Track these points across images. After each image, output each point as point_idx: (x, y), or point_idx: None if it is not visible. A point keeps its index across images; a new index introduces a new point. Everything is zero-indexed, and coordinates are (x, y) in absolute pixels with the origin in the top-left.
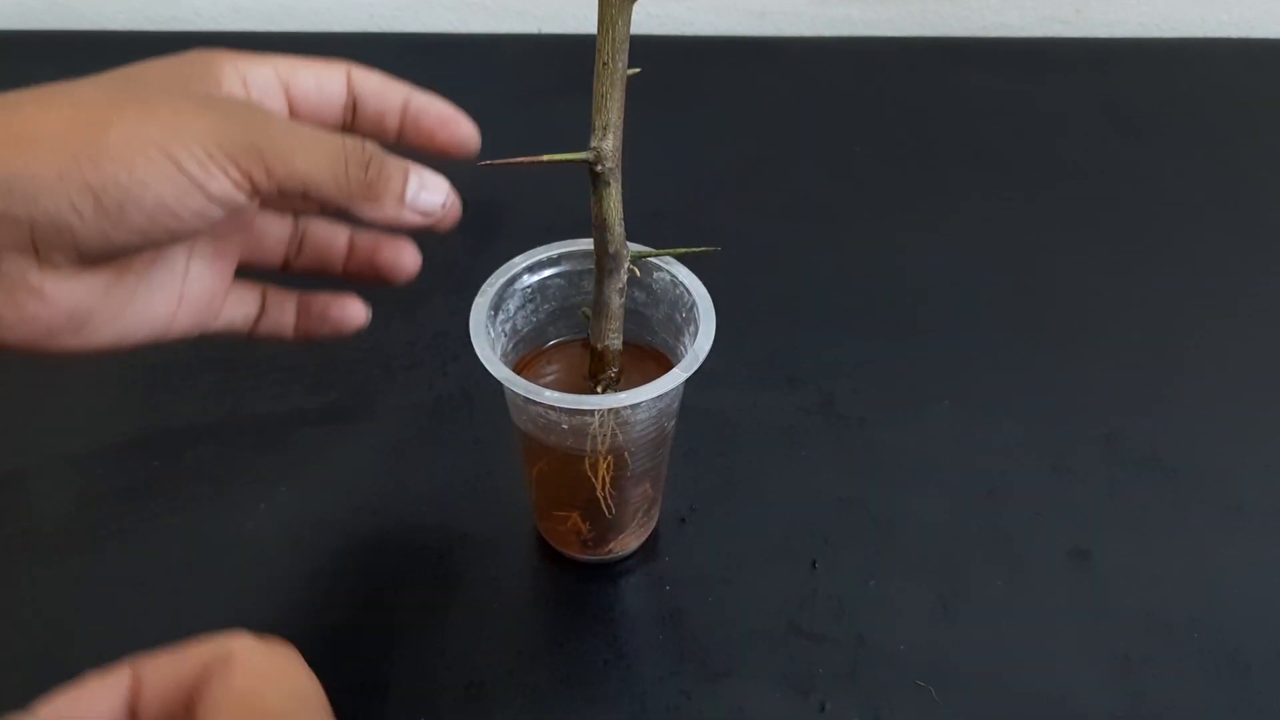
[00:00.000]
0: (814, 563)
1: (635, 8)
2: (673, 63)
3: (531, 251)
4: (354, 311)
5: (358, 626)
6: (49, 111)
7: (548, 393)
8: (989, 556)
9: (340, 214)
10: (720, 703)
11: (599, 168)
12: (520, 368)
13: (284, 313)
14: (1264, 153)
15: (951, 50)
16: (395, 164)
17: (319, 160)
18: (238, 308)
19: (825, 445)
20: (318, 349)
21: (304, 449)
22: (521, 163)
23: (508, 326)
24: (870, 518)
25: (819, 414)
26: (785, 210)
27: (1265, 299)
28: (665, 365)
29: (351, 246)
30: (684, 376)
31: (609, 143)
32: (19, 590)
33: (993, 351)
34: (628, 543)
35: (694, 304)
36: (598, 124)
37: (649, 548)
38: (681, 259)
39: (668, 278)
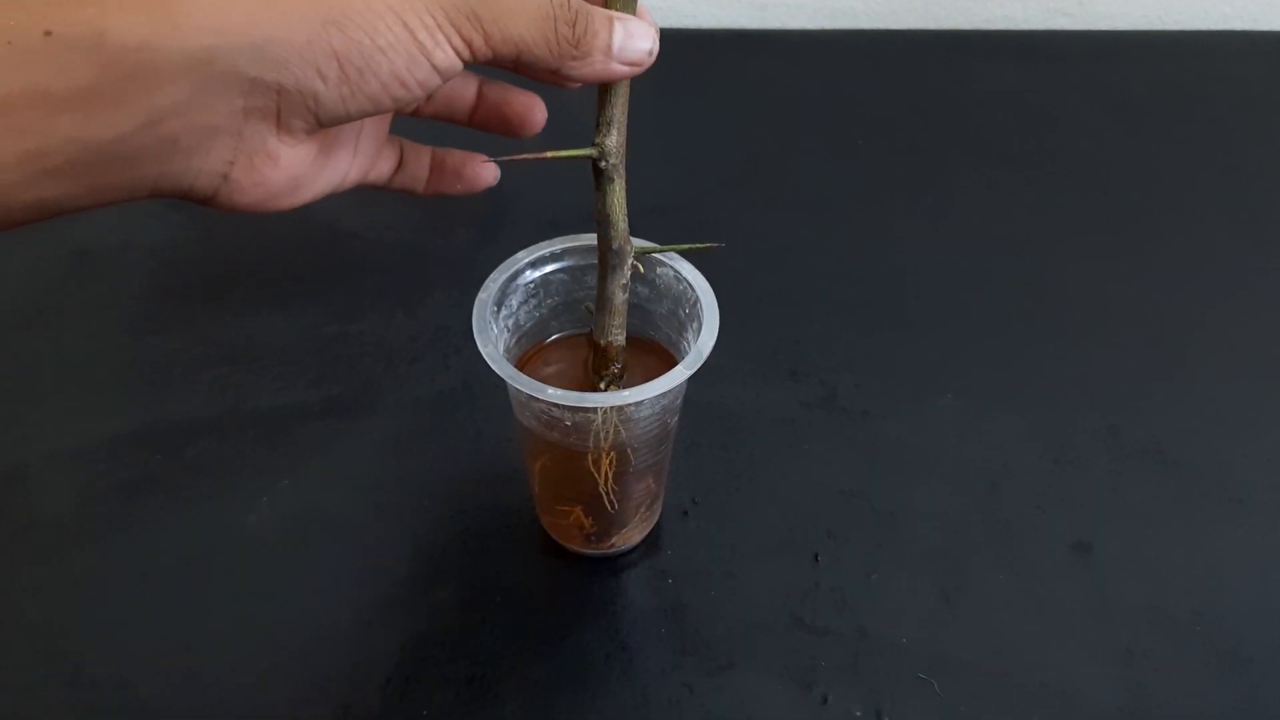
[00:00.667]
0: (816, 556)
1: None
2: (675, 56)
3: (534, 246)
4: (487, 171)
5: (360, 620)
6: None
7: (551, 390)
8: (991, 549)
9: (542, 75)
10: (722, 696)
11: (602, 164)
12: (522, 362)
13: (420, 166)
14: (1267, 145)
15: (954, 43)
16: (599, 16)
17: (531, 22)
18: (386, 161)
19: (828, 438)
20: (317, 343)
21: (306, 443)
22: (525, 159)
23: (510, 322)
24: (872, 511)
25: (821, 407)
26: (788, 203)
27: (1268, 291)
28: (668, 360)
29: (480, 95)
30: (688, 374)
31: (613, 139)
32: (20, 586)
33: (995, 345)
34: (630, 536)
35: (697, 300)
36: (602, 120)
37: (651, 541)
38: (685, 255)
39: (671, 273)
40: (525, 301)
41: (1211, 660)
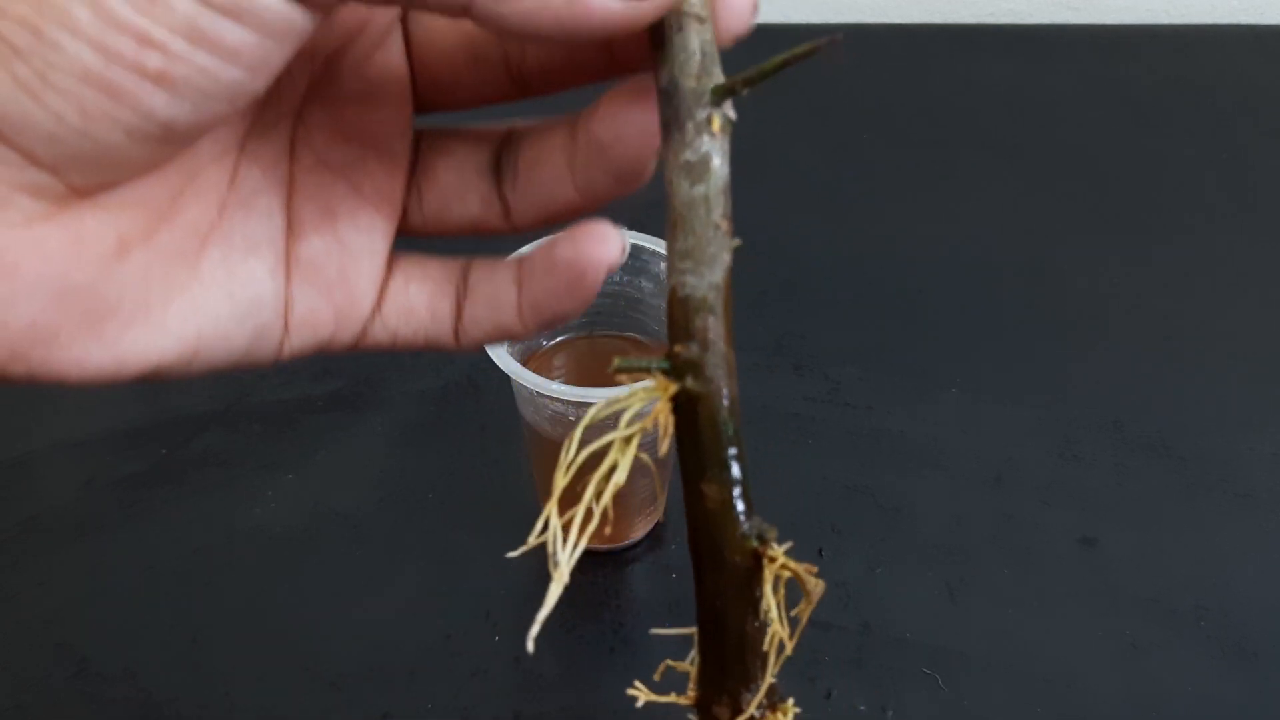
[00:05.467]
0: (820, 550)
1: None
2: None
3: (539, 241)
4: (609, 247)
5: (364, 612)
6: None
7: (555, 385)
8: (996, 544)
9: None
10: None
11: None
12: (527, 360)
13: (499, 286)
14: (1274, 139)
15: (959, 37)
16: None
17: None
18: (411, 298)
19: (832, 433)
20: None
21: (312, 436)
22: None
23: None
24: (877, 505)
25: (826, 401)
26: (792, 198)
27: (1274, 285)
28: None
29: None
30: None
31: None
32: (26, 578)
33: (1000, 338)
34: (634, 531)
35: None
36: None
37: (655, 536)
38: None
39: None
40: None
41: (1216, 654)
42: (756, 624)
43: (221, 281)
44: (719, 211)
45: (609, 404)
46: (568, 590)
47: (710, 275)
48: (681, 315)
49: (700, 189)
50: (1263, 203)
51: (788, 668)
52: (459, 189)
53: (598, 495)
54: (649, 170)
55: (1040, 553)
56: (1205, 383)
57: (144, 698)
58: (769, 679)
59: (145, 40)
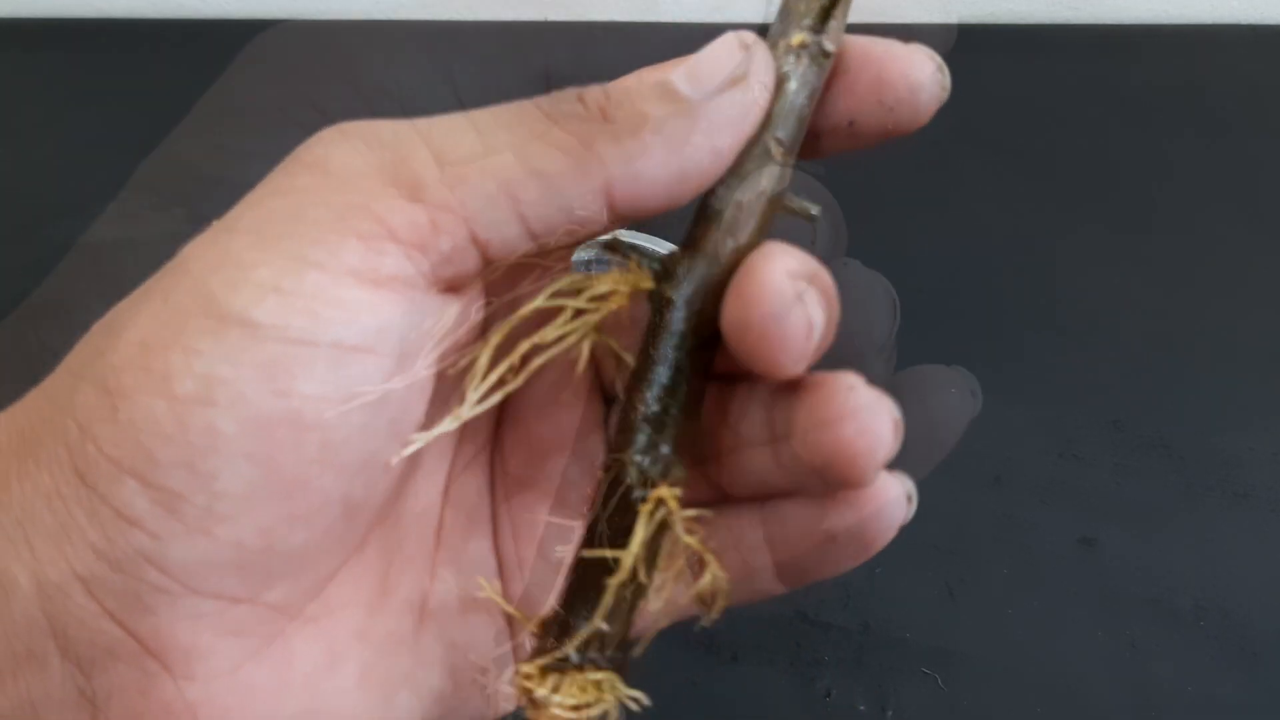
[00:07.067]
0: None
1: None
2: (677, 53)
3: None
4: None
5: None
6: None
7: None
8: (995, 543)
9: None
10: (726, 689)
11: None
12: None
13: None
14: (1275, 140)
15: (959, 35)
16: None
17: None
18: None
19: None
20: None
21: None
22: None
23: None
24: None
25: None
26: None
27: (1274, 285)
28: None
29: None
30: None
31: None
32: None
33: (999, 338)
34: None
35: None
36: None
37: None
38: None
39: None
40: None
41: (1217, 655)
42: (610, 562)
43: (441, 657)
44: (775, 131)
45: (587, 278)
46: None
47: (739, 192)
48: (693, 220)
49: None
50: (1265, 202)
51: (787, 667)
52: None
53: (528, 352)
54: (867, 480)
55: (1040, 553)
56: (1205, 382)
57: None
58: (595, 624)
59: (297, 423)
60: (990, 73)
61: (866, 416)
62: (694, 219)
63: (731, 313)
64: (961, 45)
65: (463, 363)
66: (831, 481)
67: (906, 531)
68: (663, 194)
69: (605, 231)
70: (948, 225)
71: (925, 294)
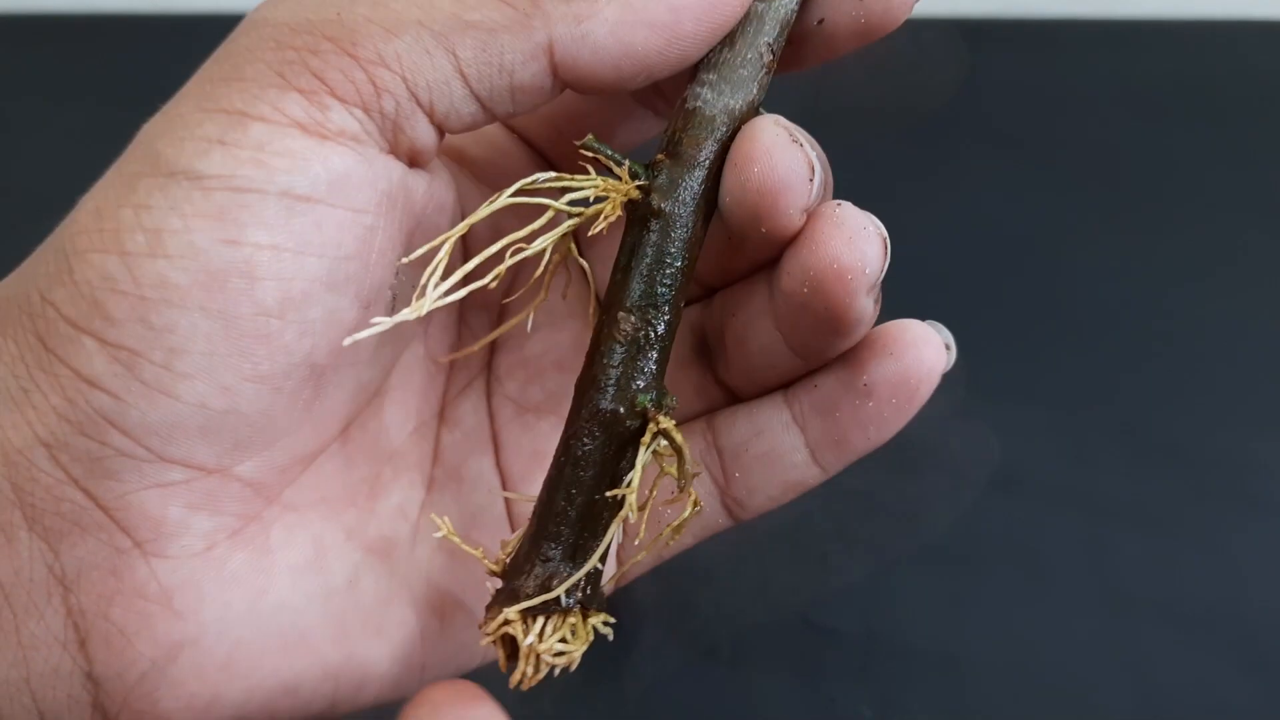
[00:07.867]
0: (825, 555)
1: None
2: None
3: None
4: (932, 344)
5: None
6: None
7: None
8: (1004, 548)
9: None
10: (728, 695)
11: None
12: None
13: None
14: None
15: (967, 30)
16: None
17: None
18: None
19: None
20: None
21: None
22: None
23: None
24: (883, 509)
25: None
26: None
27: None
28: None
29: None
30: None
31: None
32: None
33: (1007, 339)
34: None
35: None
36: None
37: None
38: None
39: None
40: None
41: (1230, 661)
42: (604, 496)
43: (432, 585)
44: (768, 37)
45: (559, 177)
46: None
47: (730, 99)
48: (680, 127)
49: (762, 5)
50: (1276, 200)
51: (791, 673)
52: (670, 385)
53: (501, 253)
54: (854, 312)
55: (1049, 558)
56: (1217, 385)
57: None
58: (593, 564)
59: (249, 273)
60: (1001, 68)
61: (854, 227)
62: (678, 125)
63: (732, 176)
64: (971, 40)
65: (423, 250)
66: (825, 309)
67: (912, 536)
68: (610, 67)
69: (550, 100)
70: (955, 222)
71: (933, 293)
